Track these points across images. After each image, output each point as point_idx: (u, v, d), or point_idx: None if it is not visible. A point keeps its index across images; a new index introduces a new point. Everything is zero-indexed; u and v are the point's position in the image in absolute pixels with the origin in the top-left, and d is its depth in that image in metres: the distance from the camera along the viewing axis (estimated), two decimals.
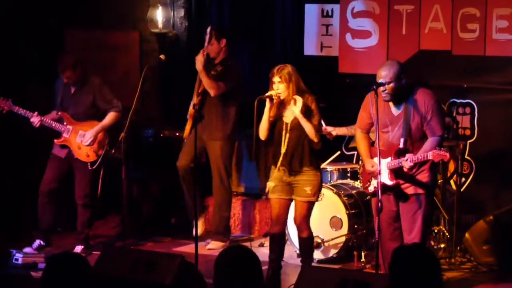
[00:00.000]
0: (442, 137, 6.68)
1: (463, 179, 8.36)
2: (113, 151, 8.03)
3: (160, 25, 9.63)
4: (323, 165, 7.96)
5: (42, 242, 8.06)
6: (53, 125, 8.01)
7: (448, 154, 6.37)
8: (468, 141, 8.44)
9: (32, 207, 8.17)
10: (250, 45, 9.46)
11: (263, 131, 7.03)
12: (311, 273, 5.10)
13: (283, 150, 6.96)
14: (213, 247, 8.23)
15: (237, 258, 4.25)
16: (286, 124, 6.99)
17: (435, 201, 7.51)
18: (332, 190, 7.84)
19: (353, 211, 7.80)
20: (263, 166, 8.74)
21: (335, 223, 7.83)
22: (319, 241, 7.73)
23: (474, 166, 8.46)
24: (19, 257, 7.60)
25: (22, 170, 8.74)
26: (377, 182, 6.41)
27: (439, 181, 7.82)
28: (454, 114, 8.27)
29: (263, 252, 8.01)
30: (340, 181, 8.16)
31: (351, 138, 8.22)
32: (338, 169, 8.31)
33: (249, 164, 9.13)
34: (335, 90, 8.65)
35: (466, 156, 8.41)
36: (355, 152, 8.53)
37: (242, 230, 9.02)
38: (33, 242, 8.04)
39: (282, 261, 7.20)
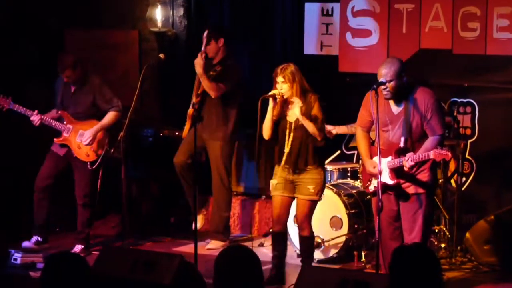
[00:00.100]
0: (443, 136, 6.66)
1: (464, 179, 8.34)
2: (112, 150, 8.02)
3: (159, 24, 9.61)
4: None
5: (39, 238, 8.06)
6: (53, 124, 8.00)
7: (450, 153, 6.36)
8: (469, 141, 8.42)
9: (32, 206, 8.14)
10: (250, 45, 9.44)
11: (266, 130, 7.03)
12: (311, 273, 5.09)
13: (287, 149, 6.97)
14: (213, 247, 8.22)
15: (237, 258, 4.24)
16: (290, 123, 6.99)
17: (436, 200, 7.50)
18: (332, 189, 7.83)
19: (353, 211, 7.79)
20: (263, 167, 8.73)
21: (335, 223, 7.81)
22: (319, 241, 7.71)
23: (475, 166, 8.44)
24: (17, 257, 7.59)
25: (21, 170, 8.72)
26: (378, 182, 6.39)
27: (440, 181, 7.81)
28: (455, 113, 8.26)
29: (263, 252, 8.01)
30: (340, 181, 8.15)
31: (351, 137, 8.21)
32: (338, 168, 8.30)
33: (249, 163, 9.12)
34: (335, 89, 8.63)
35: (466, 156, 8.39)
36: (355, 152, 8.51)
37: (242, 230, 9.01)
38: (31, 239, 8.04)
39: (285, 258, 7.22)
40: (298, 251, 7.65)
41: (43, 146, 8.24)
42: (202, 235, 8.35)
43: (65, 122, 8.01)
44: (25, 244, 7.97)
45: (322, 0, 9.06)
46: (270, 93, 6.95)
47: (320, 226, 7.68)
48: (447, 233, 7.94)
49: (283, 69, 6.93)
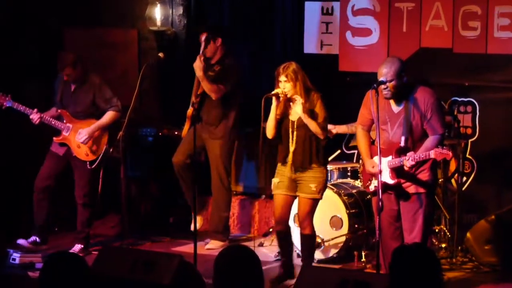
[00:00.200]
0: (443, 135, 6.65)
1: (465, 178, 8.32)
2: (111, 150, 8.00)
3: (158, 23, 9.60)
4: None
5: (37, 239, 8.03)
6: (53, 122, 7.98)
7: (450, 153, 6.35)
8: (470, 140, 8.41)
9: (31, 206, 8.13)
10: (250, 45, 9.42)
11: (270, 129, 7.02)
12: (311, 273, 5.06)
13: (291, 148, 6.97)
14: (212, 246, 8.21)
15: (237, 258, 4.22)
16: (293, 122, 6.99)
17: (436, 200, 7.49)
18: (332, 189, 7.81)
19: (353, 211, 7.77)
20: (264, 167, 8.70)
21: (335, 222, 7.79)
22: (319, 240, 7.69)
23: (475, 165, 8.43)
24: (16, 257, 7.57)
25: (21, 169, 8.71)
26: (378, 181, 6.37)
27: (440, 180, 7.79)
28: (455, 113, 8.25)
29: (263, 252, 7.99)
30: (340, 180, 8.13)
31: (352, 136, 8.19)
32: (339, 168, 8.28)
33: (249, 163, 9.10)
34: (335, 88, 8.60)
35: (467, 155, 8.38)
36: (356, 151, 8.50)
37: (241, 230, 8.99)
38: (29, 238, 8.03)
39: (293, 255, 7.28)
40: (298, 251, 7.63)
41: (43, 146, 8.23)
42: (202, 235, 8.32)
43: (64, 121, 7.99)
44: (21, 241, 7.93)
45: None
46: (273, 92, 6.94)
47: (320, 226, 7.65)
48: (448, 233, 7.92)
49: (285, 68, 6.91)
